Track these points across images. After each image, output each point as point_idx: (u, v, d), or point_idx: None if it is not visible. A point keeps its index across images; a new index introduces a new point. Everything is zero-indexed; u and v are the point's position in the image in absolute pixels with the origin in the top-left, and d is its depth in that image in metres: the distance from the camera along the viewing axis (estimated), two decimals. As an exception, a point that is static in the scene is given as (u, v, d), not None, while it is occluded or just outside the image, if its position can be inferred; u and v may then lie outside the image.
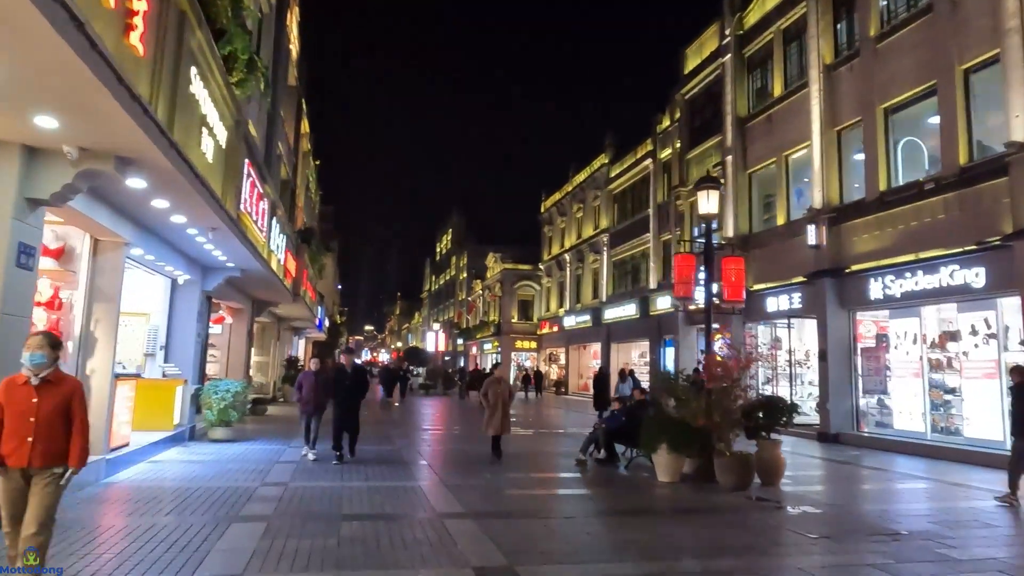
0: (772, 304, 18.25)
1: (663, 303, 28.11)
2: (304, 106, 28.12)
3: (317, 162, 41.99)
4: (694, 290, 10.36)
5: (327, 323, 40.44)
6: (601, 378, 22.89)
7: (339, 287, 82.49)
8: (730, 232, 19.91)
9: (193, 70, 6.68)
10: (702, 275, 10.92)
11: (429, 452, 11.78)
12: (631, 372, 25.28)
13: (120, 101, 4.83)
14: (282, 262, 15.53)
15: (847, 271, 15.47)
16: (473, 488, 8.25)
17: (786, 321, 18.71)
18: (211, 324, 17.85)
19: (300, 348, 39.18)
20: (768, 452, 9.09)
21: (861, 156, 15.86)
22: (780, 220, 18.25)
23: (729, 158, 20.27)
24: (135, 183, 6.71)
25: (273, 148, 18.71)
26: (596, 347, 37.36)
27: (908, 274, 13.86)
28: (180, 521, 6.01)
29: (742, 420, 8.99)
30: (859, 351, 15.66)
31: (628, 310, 31.69)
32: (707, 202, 9.88)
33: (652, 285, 29.71)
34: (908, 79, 14.10)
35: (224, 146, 8.50)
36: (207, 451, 10.74)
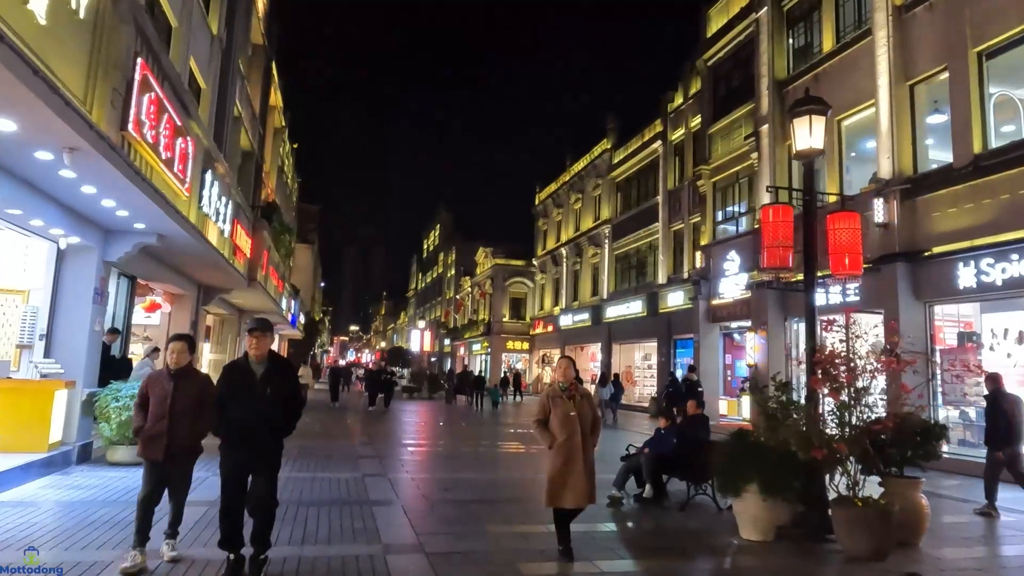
0: (819, 297, 15.34)
1: (674, 299, 25.25)
2: (275, 75, 25.00)
3: (295, 145, 38.84)
4: (792, 258, 7.37)
5: (302, 319, 37.16)
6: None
7: (322, 284, 79.15)
8: (766, 213, 17.00)
9: None
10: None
11: (407, 485, 8.70)
12: (616, 376, 22.97)
13: None
14: (227, 234, 12.42)
15: (925, 254, 12.61)
16: (470, 563, 5.21)
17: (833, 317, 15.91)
18: (146, 313, 14.73)
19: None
20: (906, 497, 6.14)
21: (941, 117, 13.07)
22: (831, 197, 15.34)
23: (764, 127, 17.39)
24: None
25: (228, 103, 15.62)
26: (595, 348, 34.43)
27: (1015, 256, 11.00)
28: None
29: (871, 449, 6.01)
30: (937, 353, 12.80)
31: (633, 308, 28.77)
32: (809, 134, 6.93)
33: (661, 280, 26.82)
34: (1017, 11, 11.27)
35: (83, 16, 5.42)
36: (91, 482, 7.62)
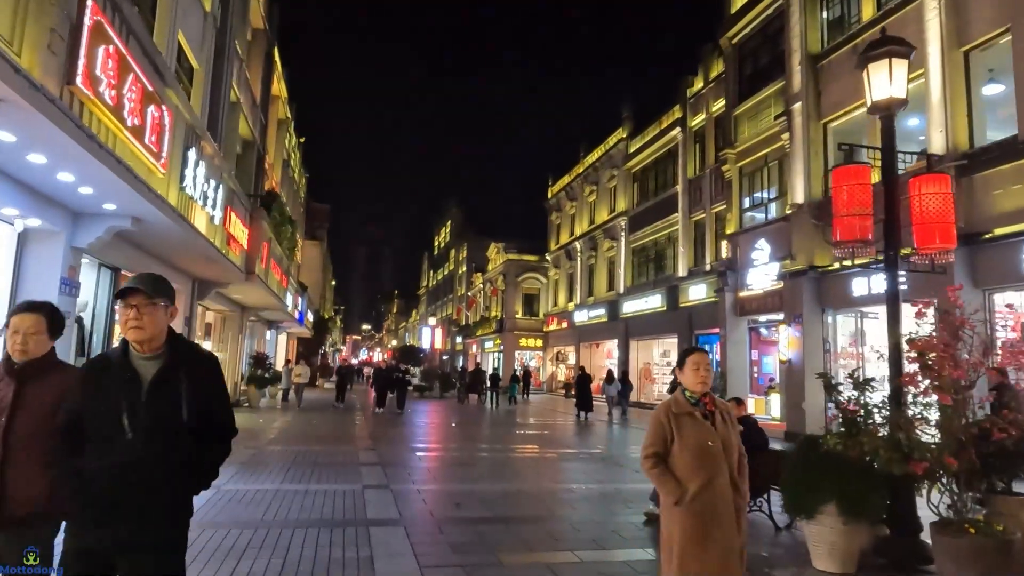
0: (860, 286, 14.19)
1: (696, 293, 24.08)
2: (278, 62, 24.11)
3: (302, 139, 37.99)
4: (871, 229, 6.21)
5: (310, 317, 36.29)
6: (583, 379, 21.99)
7: (333, 283, 78.47)
8: (799, 197, 15.82)
9: None
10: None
11: (414, 499, 7.66)
12: (624, 374, 23.01)
13: None
14: (219, 222, 11.44)
15: (985, 237, 11.41)
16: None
17: (875, 309, 14.71)
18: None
19: (280, 344, 35.06)
20: (1019, 520, 5.01)
21: (998, 87, 11.89)
22: (875, 176, 14.13)
23: (796, 106, 16.18)
24: None
25: (224, 86, 14.70)
26: (611, 345, 33.31)
27: (1094, 236, 9.81)
28: None
29: (976, 461, 4.88)
30: (998, 346, 11.59)
31: (652, 302, 27.61)
32: (889, 81, 5.81)
33: (681, 272, 25.66)
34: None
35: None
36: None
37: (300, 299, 30.55)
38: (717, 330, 23.11)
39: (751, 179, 18.84)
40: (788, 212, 16.26)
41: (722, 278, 18.80)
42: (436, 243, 76.68)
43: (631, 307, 29.63)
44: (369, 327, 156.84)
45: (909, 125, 13.95)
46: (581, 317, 35.23)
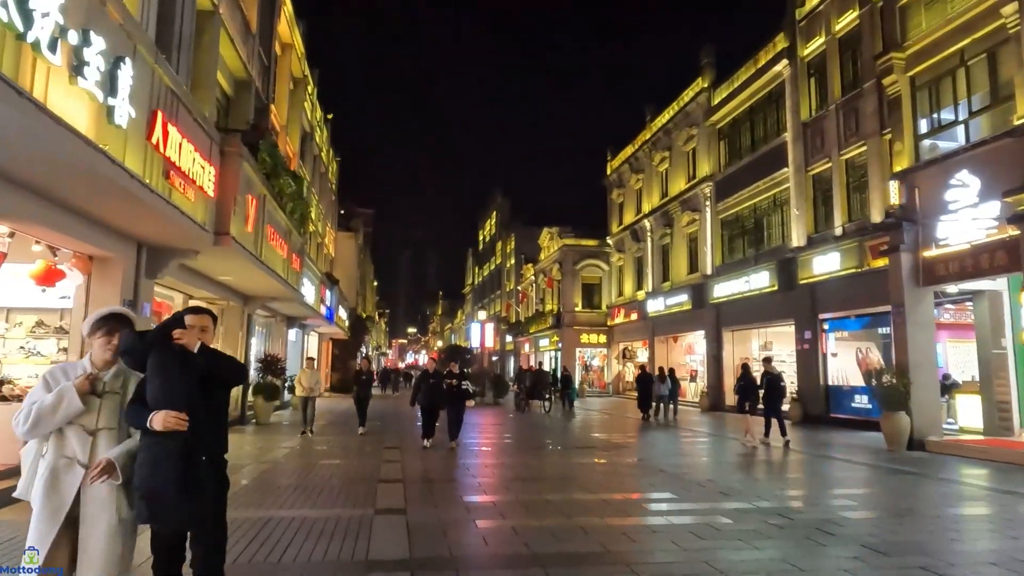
0: None
1: (822, 265, 18.62)
2: (290, 6, 19.66)
3: (329, 116, 33.72)
4: None
5: (343, 314, 31.85)
6: (644, 379, 21.03)
7: (375, 284, 74.66)
8: (1046, 95, 10.32)
9: None
10: None
11: None
12: (671, 372, 21.47)
13: None
14: (127, 123, 6.70)
15: None
16: None
17: None
18: (40, 287, 9.27)
19: (311, 347, 30.71)
20: None
21: None
22: None
23: (1029, -40, 10.69)
24: None
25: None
26: (694, 337, 27.96)
27: None
28: None
29: None
30: None
31: (755, 282, 22.09)
32: None
33: (797, 242, 20.14)
34: None
35: None
36: None
37: (328, 292, 26.10)
38: (850, 313, 17.65)
39: (934, 90, 13.26)
40: (1020, 122, 10.74)
41: (896, 233, 13.22)
42: (481, 237, 72.07)
43: (724, 290, 24.21)
44: (415, 330, 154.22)
45: None
46: (655, 306, 29.87)
